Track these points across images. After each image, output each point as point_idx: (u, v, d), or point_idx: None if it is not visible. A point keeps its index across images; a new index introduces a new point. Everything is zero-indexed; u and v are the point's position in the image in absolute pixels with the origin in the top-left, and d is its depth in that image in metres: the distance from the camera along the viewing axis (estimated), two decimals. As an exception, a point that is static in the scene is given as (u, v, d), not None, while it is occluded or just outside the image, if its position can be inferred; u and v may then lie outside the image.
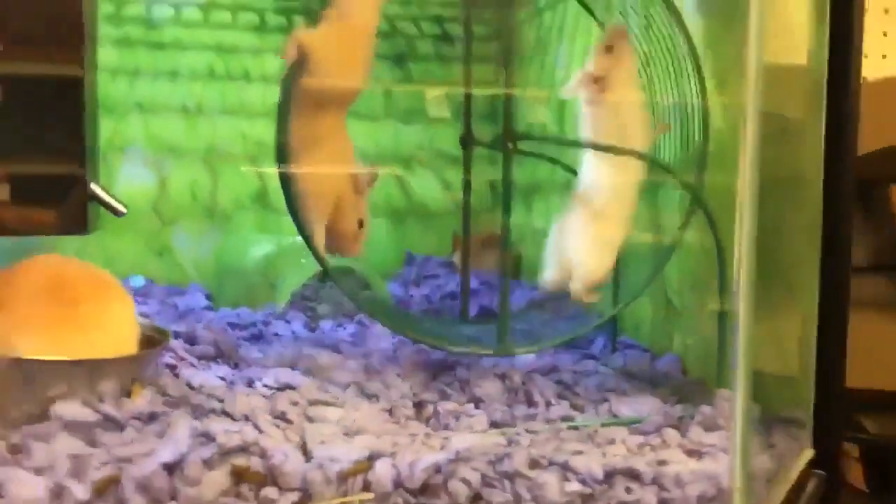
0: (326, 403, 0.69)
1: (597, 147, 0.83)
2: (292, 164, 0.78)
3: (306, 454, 0.55)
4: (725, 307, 0.84)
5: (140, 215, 1.34)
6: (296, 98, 0.79)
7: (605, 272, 0.90)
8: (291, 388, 0.75)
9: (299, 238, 1.22)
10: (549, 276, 0.93)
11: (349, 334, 1.04)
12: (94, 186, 0.92)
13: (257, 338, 0.98)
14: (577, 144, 0.88)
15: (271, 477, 0.52)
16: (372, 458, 0.55)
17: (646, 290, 0.92)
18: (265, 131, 1.41)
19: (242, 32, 1.42)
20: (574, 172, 0.98)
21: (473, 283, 1.25)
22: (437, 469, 0.55)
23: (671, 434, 0.76)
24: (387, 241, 1.41)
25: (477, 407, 0.80)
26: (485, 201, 1.49)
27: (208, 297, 1.21)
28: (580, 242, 0.88)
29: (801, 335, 0.80)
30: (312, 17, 1.43)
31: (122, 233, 1.32)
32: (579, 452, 0.60)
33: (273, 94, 1.43)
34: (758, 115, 0.57)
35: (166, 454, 0.51)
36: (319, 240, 0.79)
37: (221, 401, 0.63)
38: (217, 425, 0.56)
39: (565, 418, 0.80)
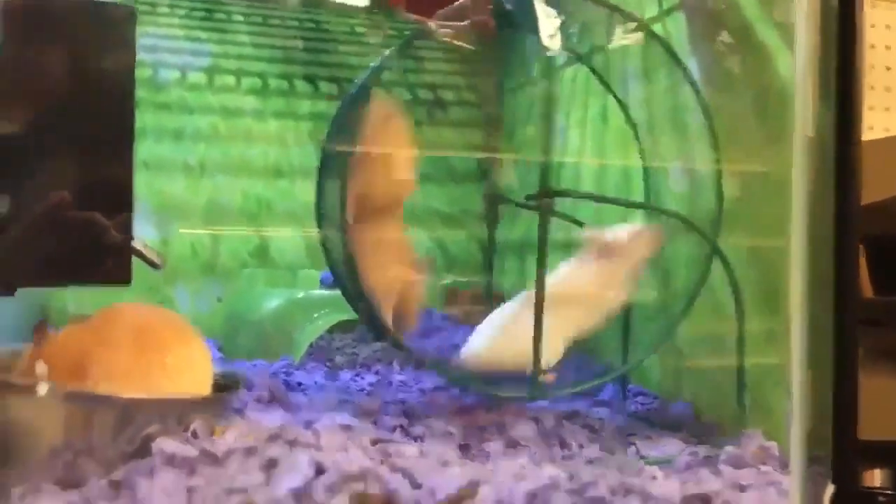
0: (394, 441, 0.72)
1: (632, 205, 0.90)
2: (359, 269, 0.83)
3: (412, 483, 0.59)
4: (743, 358, 0.91)
5: (142, 271, 1.35)
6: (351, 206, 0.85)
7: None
8: (349, 429, 0.78)
9: (311, 292, 1.26)
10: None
11: (368, 383, 1.08)
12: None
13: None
14: (616, 202, 0.95)
15: (388, 502, 0.56)
16: (472, 486, 0.59)
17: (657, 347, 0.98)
18: (266, 190, 1.45)
19: (245, 95, 1.47)
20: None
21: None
22: (534, 495, 0.59)
23: (704, 472, 0.82)
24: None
25: (515, 449, 0.85)
26: (475, 257, 1.55)
27: (219, 348, 1.23)
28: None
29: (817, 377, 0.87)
30: (314, 83, 1.51)
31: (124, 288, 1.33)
32: (654, 479, 0.65)
33: (274, 155, 1.47)
34: (805, 184, 0.65)
35: (293, 481, 0.54)
36: (389, 324, 0.84)
37: (314, 433, 0.65)
38: (326, 456, 0.59)
39: (598, 460, 0.85)
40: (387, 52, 0.95)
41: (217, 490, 0.57)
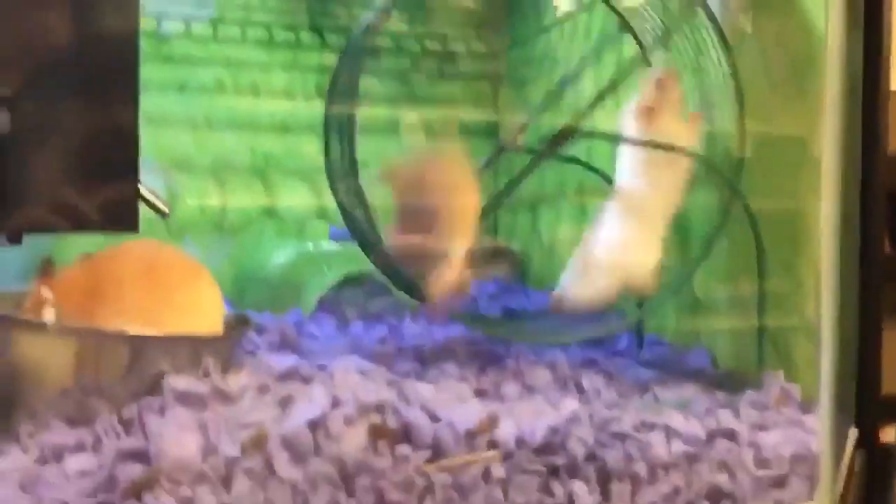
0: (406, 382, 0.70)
1: (646, 144, 0.88)
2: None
3: (430, 416, 0.57)
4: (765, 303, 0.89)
5: (149, 227, 1.34)
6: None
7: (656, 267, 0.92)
8: (364, 371, 0.76)
9: (321, 245, 1.24)
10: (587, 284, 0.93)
11: (381, 334, 1.06)
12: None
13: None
14: (634, 142, 0.92)
15: (405, 435, 0.54)
16: (492, 420, 0.57)
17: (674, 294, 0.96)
18: (273, 145, 1.43)
19: (251, 47, 1.44)
20: (608, 179, 1.02)
21: (491, 289, 1.29)
22: (555, 430, 0.57)
23: (724, 414, 0.80)
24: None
25: (531, 393, 0.83)
26: (486, 213, 1.52)
27: (229, 303, 1.21)
28: (629, 242, 0.91)
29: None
30: (319, 34, 1.47)
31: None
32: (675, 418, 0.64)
33: (281, 108, 1.45)
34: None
35: (310, 412, 0.52)
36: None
37: (329, 375, 0.64)
38: (342, 389, 0.57)
39: (616, 405, 0.84)
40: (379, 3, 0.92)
41: (231, 425, 0.56)
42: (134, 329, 0.64)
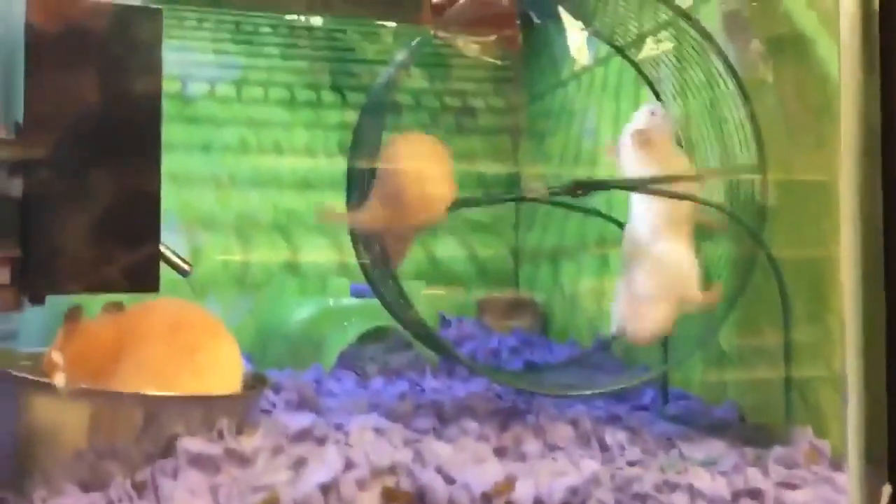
0: (427, 440, 0.69)
1: (674, 195, 0.87)
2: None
3: (446, 478, 0.56)
4: (791, 354, 0.87)
5: (172, 284, 1.35)
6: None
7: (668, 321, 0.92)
8: (381, 430, 0.75)
9: (342, 301, 1.24)
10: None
11: (400, 390, 1.05)
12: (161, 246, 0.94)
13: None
14: (654, 192, 0.92)
15: (419, 498, 0.53)
16: (510, 481, 0.56)
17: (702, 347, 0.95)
18: (296, 201, 1.44)
19: (273, 107, 1.46)
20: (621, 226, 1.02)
21: (512, 341, 1.28)
22: (575, 491, 0.56)
23: (752, 472, 0.78)
24: (421, 304, 1.43)
25: (552, 451, 0.82)
26: (506, 263, 1.52)
27: (249, 359, 1.21)
28: (646, 289, 0.91)
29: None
30: (341, 92, 1.50)
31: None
32: (700, 478, 0.62)
33: (303, 165, 1.46)
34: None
35: (322, 475, 0.51)
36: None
37: (345, 434, 0.63)
38: (356, 452, 0.57)
39: (640, 462, 0.82)
40: (398, 60, 0.93)
41: (243, 488, 0.55)
42: (154, 387, 0.64)
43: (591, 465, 0.62)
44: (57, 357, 0.62)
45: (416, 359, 1.17)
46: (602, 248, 1.24)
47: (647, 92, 1.08)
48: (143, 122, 0.90)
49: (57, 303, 0.85)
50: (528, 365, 1.15)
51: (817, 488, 0.69)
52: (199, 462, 0.59)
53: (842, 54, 0.79)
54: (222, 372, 0.68)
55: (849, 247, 0.81)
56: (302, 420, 0.70)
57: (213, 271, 1.39)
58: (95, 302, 0.87)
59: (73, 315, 0.67)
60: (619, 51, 1.06)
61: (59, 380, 0.60)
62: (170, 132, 1.37)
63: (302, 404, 0.81)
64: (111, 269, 0.88)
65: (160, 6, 0.88)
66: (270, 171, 1.44)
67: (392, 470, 0.53)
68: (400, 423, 0.81)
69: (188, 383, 0.65)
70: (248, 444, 0.61)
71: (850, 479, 0.71)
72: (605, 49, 1.18)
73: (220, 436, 0.62)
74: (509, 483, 0.55)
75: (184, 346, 0.67)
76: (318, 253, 1.40)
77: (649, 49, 1.03)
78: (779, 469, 0.78)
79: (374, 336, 1.21)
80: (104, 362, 0.67)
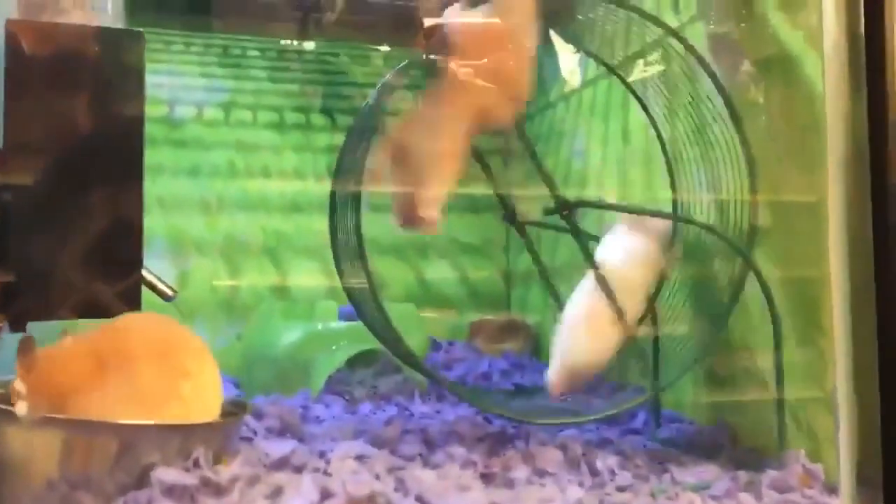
0: (411, 468, 0.68)
1: (661, 215, 0.87)
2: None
3: (426, 506, 0.55)
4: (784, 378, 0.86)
5: (159, 308, 1.34)
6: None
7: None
8: (365, 457, 0.74)
9: (330, 325, 1.23)
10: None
11: (389, 415, 1.04)
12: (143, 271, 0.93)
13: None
14: (643, 212, 0.91)
15: (398, 528, 0.52)
16: (492, 509, 0.54)
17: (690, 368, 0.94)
18: (284, 224, 1.43)
19: (262, 130, 1.46)
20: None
21: (503, 364, 1.27)
22: (559, 518, 0.55)
23: (745, 497, 0.76)
24: (412, 327, 1.41)
25: (541, 477, 0.80)
26: (498, 286, 1.51)
27: (236, 385, 1.20)
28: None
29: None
30: (330, 115, 1.49)
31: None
32: None
33: (291, 188, 1.45)
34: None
35: (297, 505, 0.50)
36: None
37: (326, 462, 0.62)
38: (334, 481, 0.55)
39: (630, 487, 0.80)
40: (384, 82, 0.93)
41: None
42: (139, 412, 0.62)
43: (577, 492, 0.60)
44: (19, 386, 0.60)
45: (405, 383, 1.16)
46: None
47: (635, 112, 1.07)
48: (124, 146, 0.89)
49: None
50: (518, 388, 1.14)
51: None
52: (174, 493, 0.57)
53: (826, 74, 0.79)
54: (206, 398, 0.67)
55: (838, 266, 0.80)
56: (282, 447, 0.68)
57: (201, 295, 1.37)
58: (78, 324, 0.86)
59: (25, 346, 0.65)
60: (612, 70, 1.05)
61: (21, 408, 0.58)
62: (157, 156, 1.37)
63: (284, 431, 0.80)
64: (92, 295, 0.87)
65: (141, 29, 0.88)
66: (259, 194, 1.43)
67: (371, 499, 0.52)
68: (385, 449, 0.79)
69: (174, 410, 0.64)
70: (224, 473, 0.60)
71: (843, 503, 0.70)
72: (593, 70, 1.18)
73: (197, 465, 0.61)
74: (491, 512, 0.54)
75: (173, 371, 0.65)
76: (307, 276, 1.39)
77: (640, 72, 1.02)
78: (772, 494, 0.77)
79: (362, 360, 1.19)
80: (79, 384, 0.65)
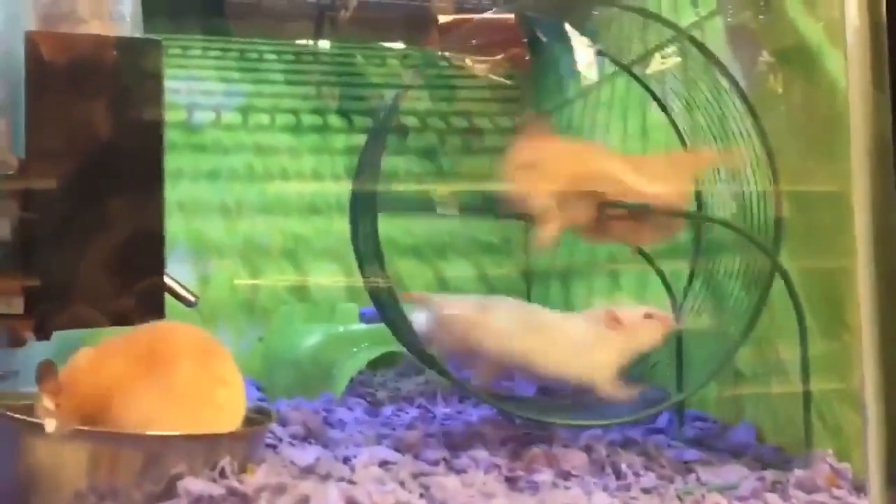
0: (436, 474, 0.68)
1: (685, 215, 0.86)
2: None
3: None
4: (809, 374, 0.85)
5: (181, 313, 1.35)
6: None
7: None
8: (390, 463, 0.74)
9: (351, 326, 1.23)
10: None
11: (411, 418, 1.04)
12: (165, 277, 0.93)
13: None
14: (667, 212, 0.90)
15: (425, 536, 0.52)
16: (518, 517, 0.54)
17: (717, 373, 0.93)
18: (303, 226, 1.44)
19: (279, 133, 1.46)
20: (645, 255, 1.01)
21: (526, 366, 1.26)
22: (585, 525, 0.54)
23: (772, 498, 0.76)
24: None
25: (566, 480, 0.80)
26: (517, 284, 1.51)
27: (259, 388, 1.20)
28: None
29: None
30: (347, 117, 1.49)
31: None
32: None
33: (309, 190, 1.45)
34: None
35: (323, 516, 0.50)
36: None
37: (350, 469, 0.62)
38: (359, 490, 0.55)
39: (655, 489, 0.80)
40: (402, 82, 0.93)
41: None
42: (174, 418, 0.63)
43: (603, 497, 0.60)
44: (48, 404, 0.61)
45: (427, 384, 1.16)
46: (613, 267, 1.22)
47: (653, 108, 1.06)
48: (145, 152, 0.90)
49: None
50: (541, 389, 1.13)
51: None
52: (201, 503, 0.57)
53: (849, 65, 0.78)
54: (237, 406, 0.67)
55: (864, 258, 0.79)
56: (306, 455, 0.69)
57: (222, 299, 1.38)
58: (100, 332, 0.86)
59: (46, 371, 0.64)
60: (624, 67, 1.05)
61: (50, 425, 0.58)
62: (177, 161, 1.38)
63: (308, 436, 0.80)
64: (115, 303, 0.88)
65: (160, 37, 0.88)
66: (277, 196, 1.43)
67: (397, 509, 0.52)
68: (409, 454, 0.79)
69: (208, 416, 0.64)
70: (250, 483, 0.60)
71: (871, 501, 0.69)
72: (610, 67, 1.17)
73: (223, 475, 0.61)
74: (518, 519, 0.54)
75: (210, 377, 0.66)
76: (327, 278, 1.39)
77: (658, 64, 1.02)
78: (799, 494, 0.76)
79: (384, 361, 1.20)
80: (115, 391, 0.65)
